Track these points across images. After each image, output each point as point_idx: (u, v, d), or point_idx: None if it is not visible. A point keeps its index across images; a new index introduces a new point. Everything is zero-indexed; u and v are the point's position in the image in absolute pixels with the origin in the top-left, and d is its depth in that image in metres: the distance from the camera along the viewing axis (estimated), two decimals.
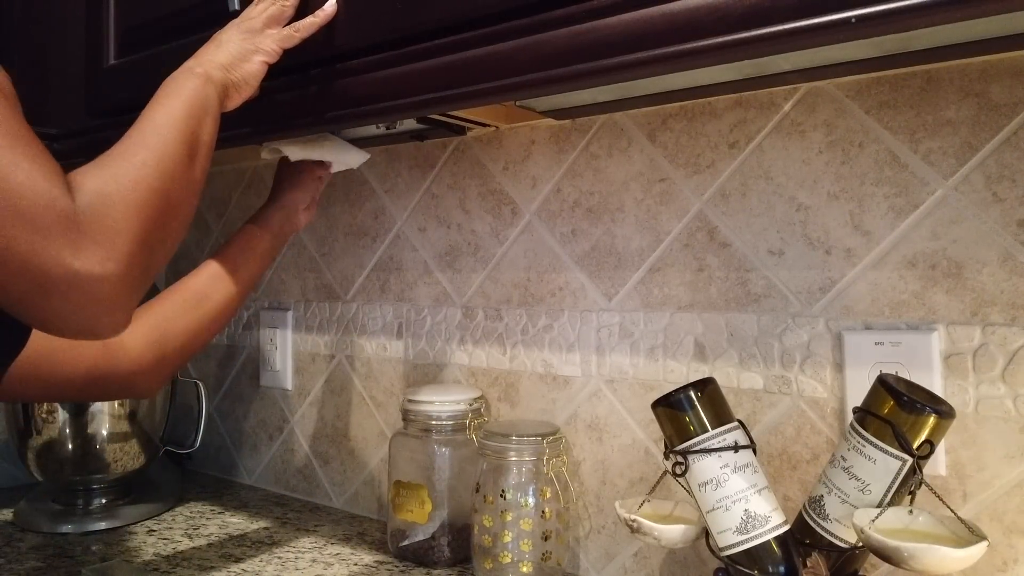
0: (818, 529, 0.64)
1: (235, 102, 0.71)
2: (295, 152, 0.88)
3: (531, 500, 0.86)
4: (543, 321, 0.97)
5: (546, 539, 0.87)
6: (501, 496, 0.87)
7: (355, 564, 0.96)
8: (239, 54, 0.70)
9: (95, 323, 0.52)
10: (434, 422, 0.94)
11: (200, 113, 0.64)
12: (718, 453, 0.65)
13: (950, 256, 0.71)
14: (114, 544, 1.03)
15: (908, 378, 0.68)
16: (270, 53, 0.72)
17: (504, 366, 1.01)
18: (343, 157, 0.94)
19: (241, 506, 1.21)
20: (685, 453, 0.66)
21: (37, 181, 0.48)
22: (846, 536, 0.63)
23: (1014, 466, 0.67)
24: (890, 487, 0.60)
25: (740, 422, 0.68)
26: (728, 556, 0.65)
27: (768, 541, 0.64)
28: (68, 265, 0.49)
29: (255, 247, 0.86)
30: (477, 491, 0.89)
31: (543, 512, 0.87)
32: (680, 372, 0.86)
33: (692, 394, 0.67)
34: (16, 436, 1.13)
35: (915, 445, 0.60)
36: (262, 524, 1.12)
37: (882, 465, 0.60)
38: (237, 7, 0.76)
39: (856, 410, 0.64)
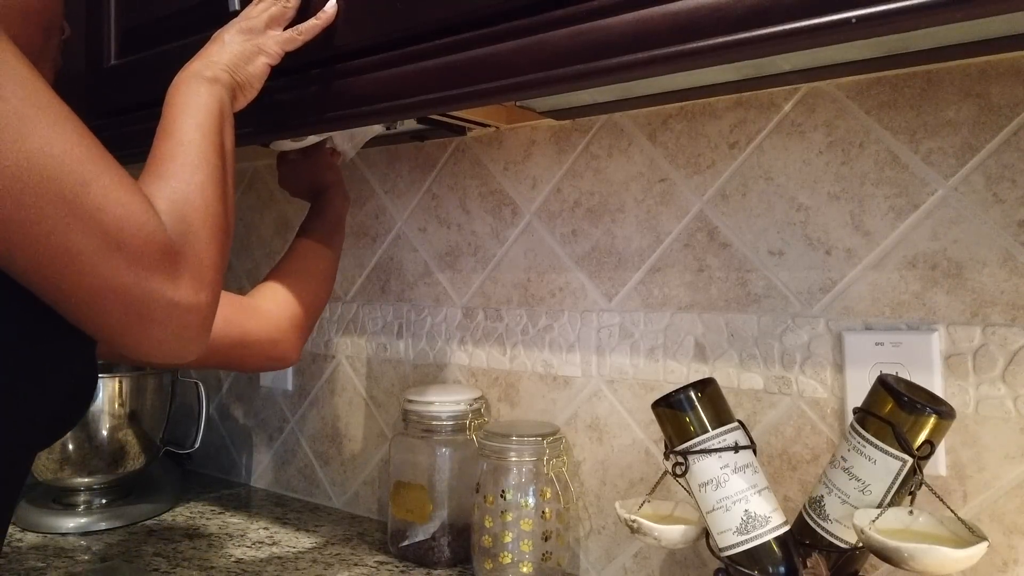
0: (818, 529, 0.64)
1: (240, 104, 0.71)
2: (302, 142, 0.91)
3: (531, 500, 0.86)
4: (543, 321, 0.97)
5: (546, 539, 0.87)
6: (501, 496, 0.87)
7: (355, 564, 0.96)
8: (243, 55, 0.70)
9: (187, 348, 0.53)
10: (434, 422, 0.94)
11: (222, 121, 0.64)
12: (718, 453, 0.65)
13: (950, 256, 0.71)
14: (114, 544, 1.03)
15: (908, 378, 0.68)
16: (273, 55, 0.71)
17: (504, 366, 1.01)
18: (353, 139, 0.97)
19: (241, 506, 1.21)
20: (685, 453, 0.66)
21: (133, 210, 0.48)
22: (846, 536, 0.63)
23: (1014, 466, 0.67)
24: (890, 487, 0.60)
25: (740, 422, 0.68)
26: (728, 556, 0.65)
27: (768, 541, 0.64)
28: (169, 297, 0.50)
29: (335, 220, 0.92)
30: (477, 491, 0.89)
31: (543, 512, 0.87)
32: (680, 372, 0.86)
33: (692, 394, 0.67)
34: None
35: (915, 445, 0.60)
36: (262, 524, 1.12)
37: (882, 465, 0.60)
38: (237, 7, 0.76)
39: (856, 410, 0.64)
